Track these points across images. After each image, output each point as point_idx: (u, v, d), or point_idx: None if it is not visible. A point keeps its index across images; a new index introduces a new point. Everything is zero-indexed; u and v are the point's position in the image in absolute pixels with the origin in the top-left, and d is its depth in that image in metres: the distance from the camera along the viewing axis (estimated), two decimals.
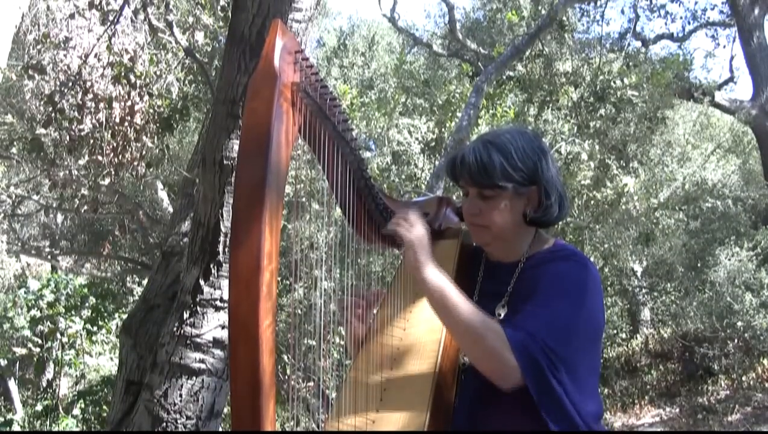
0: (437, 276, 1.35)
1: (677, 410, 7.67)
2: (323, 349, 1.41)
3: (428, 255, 1.36)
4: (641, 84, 6.84)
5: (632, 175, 7.13)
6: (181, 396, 2.92)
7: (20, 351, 9.96)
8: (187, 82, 6.31)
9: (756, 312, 7.35)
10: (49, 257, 11.47)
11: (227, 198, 2.86)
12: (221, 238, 2.92)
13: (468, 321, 1.32)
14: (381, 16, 13.51)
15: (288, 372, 5.85)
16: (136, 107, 5.46)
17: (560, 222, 6.59)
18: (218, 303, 2.97)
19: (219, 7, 5.36)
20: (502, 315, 1.46)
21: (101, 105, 5.35)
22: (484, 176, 1.43)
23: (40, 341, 9.64)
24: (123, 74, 5.05)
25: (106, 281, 10.58)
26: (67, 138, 5.45)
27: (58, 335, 9.23)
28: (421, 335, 1.48)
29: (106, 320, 9.44)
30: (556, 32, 7.36)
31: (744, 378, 7.73)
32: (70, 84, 5.32)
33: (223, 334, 2.96)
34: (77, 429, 8.55)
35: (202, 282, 2.95)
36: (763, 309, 7.39)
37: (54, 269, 12.35)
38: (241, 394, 1.02)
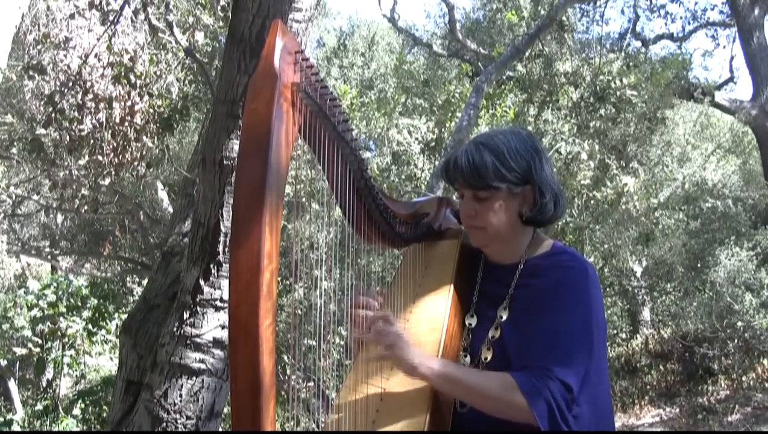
0: (430, 365, 1.36)
1: (677, 410, 7.67)
2: (323, 349, 1.41)
3: (412, 351, 1.35)
4: (640, 84, 6.84)
5: (632, 175, 7.13)
6: (181, 396, 2.92)
7: (20, 351, 9.95)
8: (187, 82, 6.30)
9: (756, 312, 7.35)
10: (49, 257, 11.47)
11: (227, 198, 2.86)
12: (221, 238, 2.91)
13: (475, 387, 1.35)
14: (381, 16, 13.52)
15: (288, 372, 5.85)
16: (136, 107, 5.46)
17: (560, 223, 6.61)
18: (218, 303, 2.97)
19: (219, 7, 5.36)
20: (504, 317, 1.47)
21: (101, 105, 5.35)
22: (478, 178, 1.43)
23: (40, 341, 9.63)
24: (123, 74, 5.04)
25: (106, 281, 10.58)
26: (67, 138, 5.45)
27: (59, 335, 9.23)
28: (421, 335, 1.48)
29: (106, 321, 9.43)
30: (556, 32, 7.36)
31: (744, 379, 7.72)
32: (70, 84, 5.32)
33: (223, 334, 2.96)
34: (77, 429, 8.55)
35: (202, 282, 2.95)
36: (763, 309, 7.39)
37: (54, 269, 12.35)
38: (241, 394, 1.02)
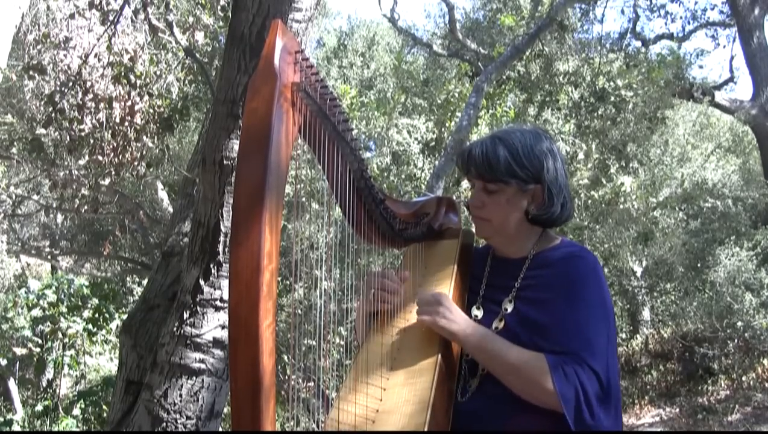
0: (469, 333, 1.40)
1: (677, 410, 7.67)
2: (323, 349, 1.41)
3: (454, 320, 1.41)
4: (637, 84, 6.85)
5: (631, 174, 7.13)
6: (181, 396, 2.92)
7: (20, 351, 9.94)
8: (187, 82, 6.30)
9: (756, 312, 7.35)
10: (49, 257, 11.48)
11: (227, 198, 2.86)
12: (221, 238, 2.91)
13: (510, 363, 1.37)
14: (381, 16, 13.53)
15: (288, 372, 5.85)
16: (136, 107, 5.46)
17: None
18: (218, 303, 2.97)
19: (219, 7, 5.36)
20: (509, 309, 1.48)
21: (101, 105, 5.34)
22: (489, 170, 1.46)
23: (40, 341, 9.63)
24: (123, 74, 5.04)
25: (107, 281, 10.58)
26: (67, 138, 5.44)
27: (59, 335, 9.22)
28: (421, 334, 1.48)
29: (107, 321, 9.42)
30: (556, 32, 7.36)
31: (744, 378, 7.73)
32: (70, 84, 5.32)
33: (223, 334, 2.96)
34: (77, 429, 8.55)
35: (202, 282, 2.95)
36: (763, 309, 7.39)
37: (54, 269, 12.35)
38: (241, 394, 1.02)
